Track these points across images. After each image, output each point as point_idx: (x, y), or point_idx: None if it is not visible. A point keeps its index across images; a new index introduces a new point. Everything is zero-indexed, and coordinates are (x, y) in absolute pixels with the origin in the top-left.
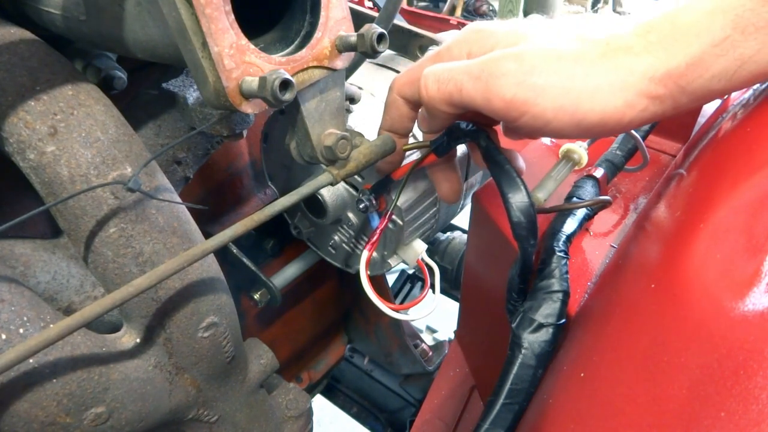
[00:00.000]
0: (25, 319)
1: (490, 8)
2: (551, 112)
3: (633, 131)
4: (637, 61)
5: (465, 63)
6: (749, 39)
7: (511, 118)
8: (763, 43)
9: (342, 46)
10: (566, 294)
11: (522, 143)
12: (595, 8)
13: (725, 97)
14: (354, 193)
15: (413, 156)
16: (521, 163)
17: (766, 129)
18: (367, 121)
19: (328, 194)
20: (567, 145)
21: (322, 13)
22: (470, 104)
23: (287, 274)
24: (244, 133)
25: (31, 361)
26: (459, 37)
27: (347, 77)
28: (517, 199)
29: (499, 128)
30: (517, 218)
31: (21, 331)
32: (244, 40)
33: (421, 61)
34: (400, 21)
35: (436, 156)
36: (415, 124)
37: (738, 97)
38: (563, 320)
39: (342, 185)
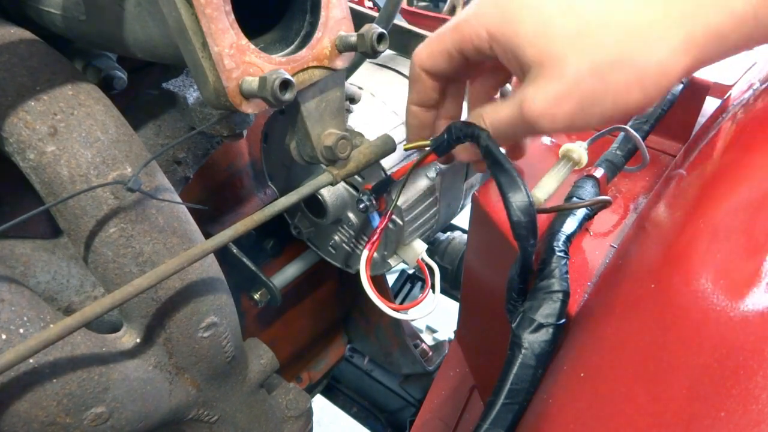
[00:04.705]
0: (25, 319)
1: None
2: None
3: (633, 131)
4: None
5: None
6: None
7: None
8: None
9: (342, 46)
10: (566, 294)
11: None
12: None
13: (726, 96)
14: (354, 193)
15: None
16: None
17: (766, 129)
18: (367, 121)
19: (328, 194)
20: (567, 145)
21: (322, 13)
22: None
23: (287, 274)
24: (244, 133)
25: (31, 361)
26: (475, 11)
27: (347, 77)
28: (518, 198)
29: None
30: (517, 218)
31: (21, 331)
32: (244, 40)
33: (438, 31)
34: (400, 21)
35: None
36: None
37: (738, 97)
38: (563, 320)
39: (342, 185)
